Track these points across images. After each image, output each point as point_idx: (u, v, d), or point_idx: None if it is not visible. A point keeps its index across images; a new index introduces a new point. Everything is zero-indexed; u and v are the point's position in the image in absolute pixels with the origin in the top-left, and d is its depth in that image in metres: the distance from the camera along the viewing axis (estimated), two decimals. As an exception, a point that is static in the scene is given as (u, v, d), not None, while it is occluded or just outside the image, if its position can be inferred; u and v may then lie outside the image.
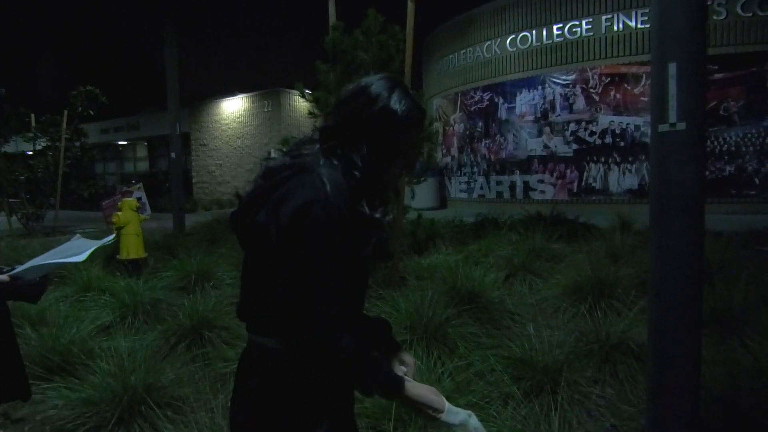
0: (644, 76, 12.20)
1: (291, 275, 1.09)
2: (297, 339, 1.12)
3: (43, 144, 13.91)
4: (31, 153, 14.37)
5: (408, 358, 1.39)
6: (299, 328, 1.10)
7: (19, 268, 1.48)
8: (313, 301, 1.08)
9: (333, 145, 1.20)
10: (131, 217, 6.62)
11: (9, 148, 14.08)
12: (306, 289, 1.08)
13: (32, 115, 14.57)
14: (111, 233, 6.92)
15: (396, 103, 1.20)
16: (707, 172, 10.51)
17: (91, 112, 14.19)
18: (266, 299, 1.17)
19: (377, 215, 1.22)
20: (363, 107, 1.19)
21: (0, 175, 12.35)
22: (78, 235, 1.66)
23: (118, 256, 6.55)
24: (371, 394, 1.17)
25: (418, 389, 1.19)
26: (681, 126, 1.80)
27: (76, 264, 5.47)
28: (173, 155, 11.29)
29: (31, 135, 14.13)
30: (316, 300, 1.08)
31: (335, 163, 1.17)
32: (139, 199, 7.38)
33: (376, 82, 1.22)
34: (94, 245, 1.59)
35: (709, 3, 11.21)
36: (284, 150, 1.32)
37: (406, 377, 1.24)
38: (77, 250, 1.55)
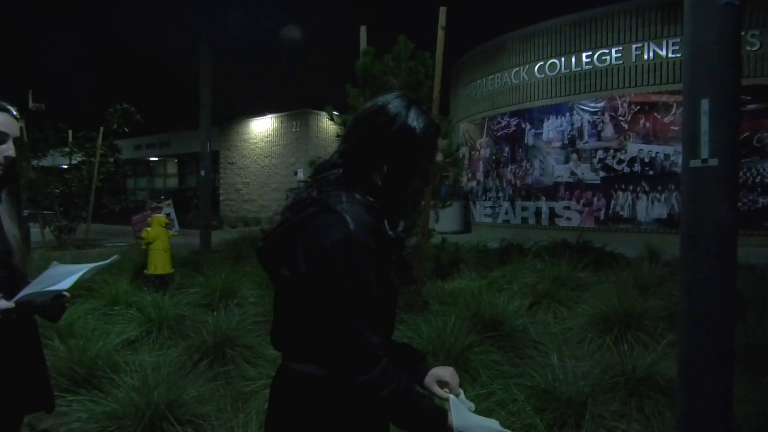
0: (674, 105, 12.07)
1: (327, 310, 1.11)
2: (341, 372, 1.12)
3: (79, 159, 14.31)
4: (66, 167, 14.79)
5: (443, 373, 1.34)
6: (343, 362, 1.11)
7: (19, 295, 1.46)
8: (353, 334, 1.09)
9: (354, 168, 1.22)
10: (160, 233, 6.74)
11: (46, 161, 14.53)
12: (345, 323, 1.09)
13: (69, 131, 15.04)
14: (137, 248, 7.04)
15: (414, 121, 1.21)
16: (739, 204, 10.30)
17: (126, 129, 14.58)
18: (304, 328, 1.18)
19: (400, 234, 1.23)
20: (382, 127, 1.21)
21: (35, 188, 12.70)
22: (55, 262, 1.56)
23: (145, 271, 6.66)
24: (415, 428, 1.16)
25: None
26: (713, 162, 1.78)
27: (104, 278, 5.61)
28: (202, 173, 11.51)
29: (67, 150, 14.57)
30: (356, 333, 1.09)
31: (357, 197, 1.18)
32: (168, 215, 7.52)
33: (393, 101, 1.23)
34: (79, 271, 1.53)
35: (742, 34, 11.12)
36: (309, 178, 1.33)
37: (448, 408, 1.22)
38: (59, 278, 1.50)
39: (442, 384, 1.32)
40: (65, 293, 1.57)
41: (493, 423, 1.22)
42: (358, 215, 1.14)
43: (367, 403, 1.14)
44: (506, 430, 1.22)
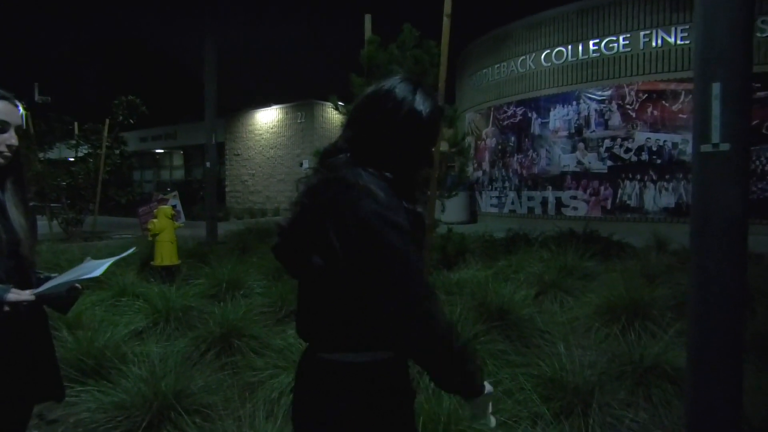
0: (683, 93, 11.95)
1: (379, 279, 1.09)
2: (414, 334, 1.10)
3: (85, 151, 14.36)
4: (72, 159, 14.85)
5: None
6: (414, 323, 1.09)
7: (42, 288, 1.50)
8: (408, 285, 1.09)
9: (362, 152, 1.21)
10: (166, 225, 6.75)
11: (53, 154, 14.59)
12: (406, 282, 1.09)
13: (75, 123, 15.08)
14: (137, 241, 7.07)
15: (421, 105, 1.20)
16: (750, 193, 10.21)
17: (132, 121, 14.61)
18: (340, 316, 1.18)
19: (417, 211, 1.23)
20: (390, 112, 1.20)
21: (43, 181, 12.77)
22: (89, 258, 1.69)
23: (152, 263, 6.69)
24: (464, 380, 1.20)
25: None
26: (724, 147, 1.75)
27: (111, 269, 5.64)
28: (208, 164, 11.51)
29: (73, 142, 14.63)
30: (411, 283, 1.09)
31: (373, 171, 1.17)
32: (174, 206, 7.54)
33: (398, 85, 1.22)
34: (108, 261, 1.61)
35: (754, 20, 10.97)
36: (316, 164, 1.32)
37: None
38: (91, 269, 1.58)
39: None
40: (77, 285, 1.63)
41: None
42: (381, 186, 1.13)
43: (435, 360, 1.14)
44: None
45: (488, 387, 1.26)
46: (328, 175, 1.20)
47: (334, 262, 1.13)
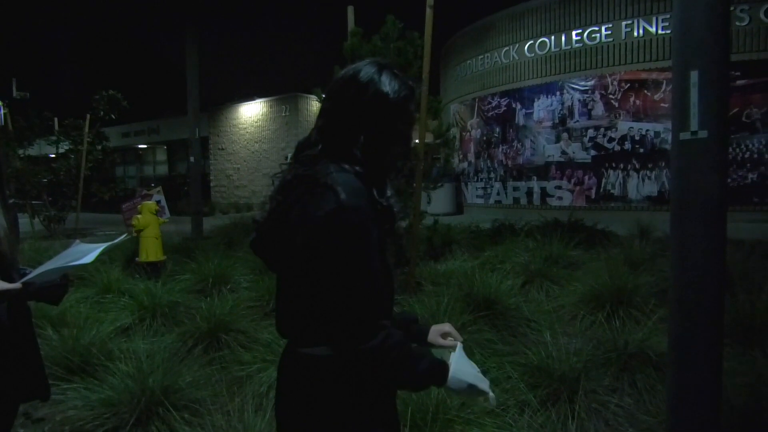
0: (665, 82, 12.07)
1: (328, 283, 1.11)
2: (345, 343, 1.12)
3: (66, 147, 14.14)
4: (53, 156, 14.62)
5: (445, 326, 1.44)
6: (346, 333, 1.11)
7: (30, 275, 1.49)
8: (355, 303, 1.10)
9: (333, 141, 1.20)
10: (151, 220, 6.69)
11: (32, 151, 14.35)
12: (346, 293, 1.10)
13: (55, 119, 14.84)
14: (129, 236, 7.01)
15: (386, 86, 1.19)
16: (729, 180, 10.37)
17: (113, 116, 14.40)
18: (309, 310, 1.18)
19: (390, 200, 1.23)
20: (354, 97, 1.19)
21: (23, 178, 12.56)
22: (78, 241, 1.65)
23: (137, 259, 6.63)
24: (422, 385, 1.20)
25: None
26: (703, 134, 1.78)
27: (96, 266, 5.58)
28: (192, 159, 11.43)
29: (54, 138, 14.39)
30: (359, 302, 1.10)
31: (345, 166, 1.17)
32: (158, 202, 7.46)
33: (363, 68, 1.21)
34: (100, 247, 1.58)
35: (731, 9, 11.10)
36: (291, 158, 1.32)
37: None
38: (81, 254, 1.54)
39: (445, 335, 1.41)
40: (69, 277, 1.64)
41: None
42: (348, 183, 1.13)
43: (367, 371, 1.14)
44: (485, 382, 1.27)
45: (455, 371, 1.23)
46: (299, 172, 1.21)
47: (297, 258, 1.15)
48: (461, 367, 1.25)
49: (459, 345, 1.33)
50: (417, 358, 1.18)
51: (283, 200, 1.21)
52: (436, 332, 1.41)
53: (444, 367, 1.22)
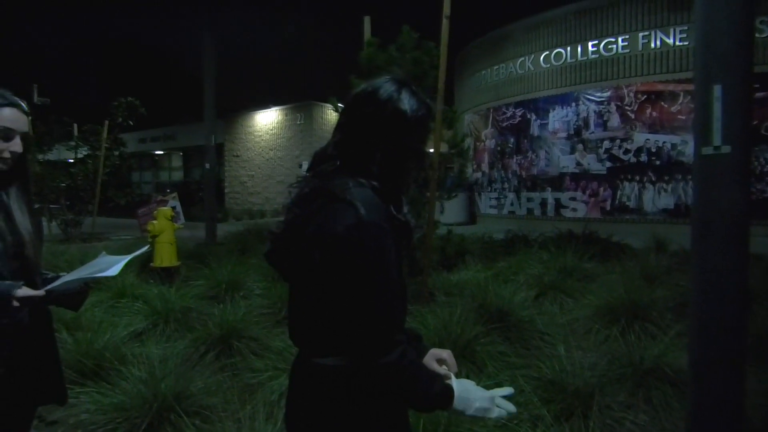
0: (681, 94, 11.96)
1: (346, 297, 1.11)
2: (363, 357, 1.12)
3: (84, 152, 14.34)
4: (72, 161, 14.83)
5: (443, 353, 1.39)
6: (365, 346, 1.11)
7: (54, 284, 1.50)
8: (374, 317, 1.10)
9: (350, 156, 1.21)
10: (165, 226, 6.74)
11: (52, 155, 14.58)
12: (365, 307, 1.10)
13: (74, 125, 15.07)
14: (145, 241, 7.07)
15: (405, 104, 1.19)
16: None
17: (131, 123, 14.59)
18: (324, 321, 1.18)
19: (406, 217, 1.23)
20: (373, 114, 1.19)
21: (42, 182, 12.75)
22: (104, 252, 1.68)
23: (151, 264, 6.68)
24: (432, 406, 1.18)
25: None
26: (726, 149, 1.75)
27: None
28: (207, 166, 11.50)
29: (72, 144, 14.62)
30: (377, 316, 1.10)
31: (362, 181, 1.17)
32: (173, 208, 7.52)
33: (383, 86, 1.21)
34: (124, 259, 1.59)
35: (751, 21, 10.98)
36: (308, 170, 1.31)
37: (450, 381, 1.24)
38: (106, 266, 1.56)
39: (441, 362, 1.37)
40: (90, 284, 1.64)
41: (497, 391, 1.26)
42: (367, 198, 1.14)
43: (383, 386, 1.14)
44: (500, 394, 1.24)
45: (458, 393, 1.20)
46: (317, 185, 1.21)
47: (314, 272, 1.15)
48: (465, 389, 1.23)
49: (452, 377, 1.28)
50: (432, 378, 1.18)
51: (300, 213, 1.21)
52: (432, 356, 1.37)
53: (451, 391, 1.20)
